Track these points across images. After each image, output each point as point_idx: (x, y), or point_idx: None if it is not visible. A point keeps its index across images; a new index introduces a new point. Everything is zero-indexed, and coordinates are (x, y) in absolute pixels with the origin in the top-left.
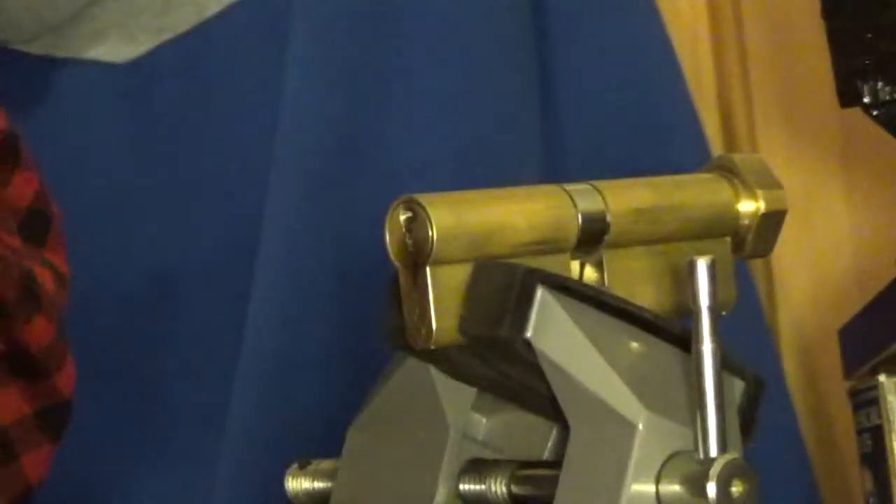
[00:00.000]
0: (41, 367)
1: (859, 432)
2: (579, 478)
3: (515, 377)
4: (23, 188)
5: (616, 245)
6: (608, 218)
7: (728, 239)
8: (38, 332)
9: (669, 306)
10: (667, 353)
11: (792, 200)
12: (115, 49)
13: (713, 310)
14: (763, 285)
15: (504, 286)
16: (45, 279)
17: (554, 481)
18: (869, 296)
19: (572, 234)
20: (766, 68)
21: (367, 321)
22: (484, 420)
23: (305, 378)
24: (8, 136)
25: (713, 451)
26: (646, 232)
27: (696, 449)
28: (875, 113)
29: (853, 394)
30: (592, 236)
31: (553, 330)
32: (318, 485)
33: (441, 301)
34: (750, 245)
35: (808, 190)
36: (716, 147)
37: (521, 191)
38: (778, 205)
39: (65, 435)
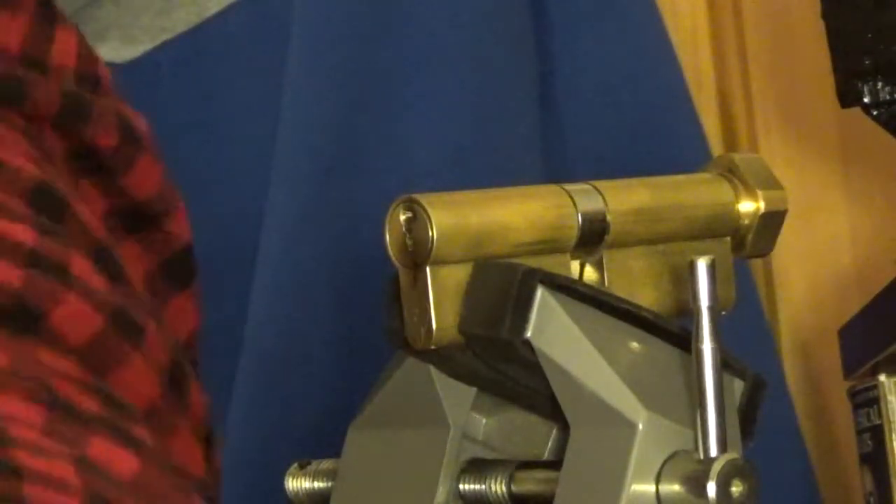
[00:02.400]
0: (152, 214)
1: (859, 432)
2: (579, 478)
3: (515, 377)
4: None
5: (616, 245)
6: (608, 218)
7: (728, 239)
8: (144, 174)
9: (669, 306)
10: (667, 353)
11: (792, 200)
12: (115, 49)
13: (713, 310)
14: (763, 285)
15: (504, 286)
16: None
17: (554, 481)
18: (869, 296)
19: (572, 234)
20: (766, 68)
21: (366, 321)
22: (484, 420)
23: (305, 378)
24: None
25: (713, 451)
26: (646, 232)
27: (696, 449)
28: (875, 113)
29: (853, 394)
30: (592, 236)
31: (553, 330)
32: (318, 485)
33: (441, 301)
34: (750, 245)
35: (808, 190)
36: (716, 147)
37: (521, 191)
38: (778, 205)
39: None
